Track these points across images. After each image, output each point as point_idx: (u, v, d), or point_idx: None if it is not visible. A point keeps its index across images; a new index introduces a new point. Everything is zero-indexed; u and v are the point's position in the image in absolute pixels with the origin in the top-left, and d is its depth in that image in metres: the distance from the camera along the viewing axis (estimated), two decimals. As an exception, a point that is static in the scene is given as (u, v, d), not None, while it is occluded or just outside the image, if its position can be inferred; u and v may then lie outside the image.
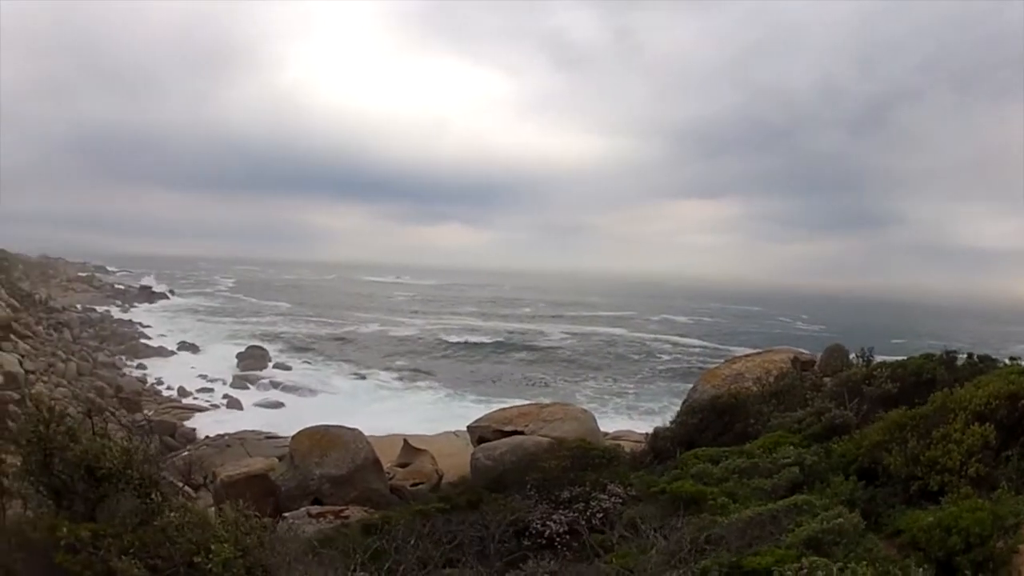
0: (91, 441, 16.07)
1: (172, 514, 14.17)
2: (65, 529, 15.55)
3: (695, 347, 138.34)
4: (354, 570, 14.47)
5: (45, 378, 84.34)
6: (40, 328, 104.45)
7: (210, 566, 13.58)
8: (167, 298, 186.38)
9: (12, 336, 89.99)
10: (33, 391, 78.79)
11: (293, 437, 38.53)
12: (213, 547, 13.73)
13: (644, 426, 63.02)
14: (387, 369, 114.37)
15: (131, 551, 14.79)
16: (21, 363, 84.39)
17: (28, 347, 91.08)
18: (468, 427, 42.74)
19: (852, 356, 31.90)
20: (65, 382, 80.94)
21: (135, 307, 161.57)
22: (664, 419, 58.23)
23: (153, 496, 16.66)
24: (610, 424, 56.15)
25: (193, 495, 40.94)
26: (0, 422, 56.82)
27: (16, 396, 75.67)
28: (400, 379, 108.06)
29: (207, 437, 62.99)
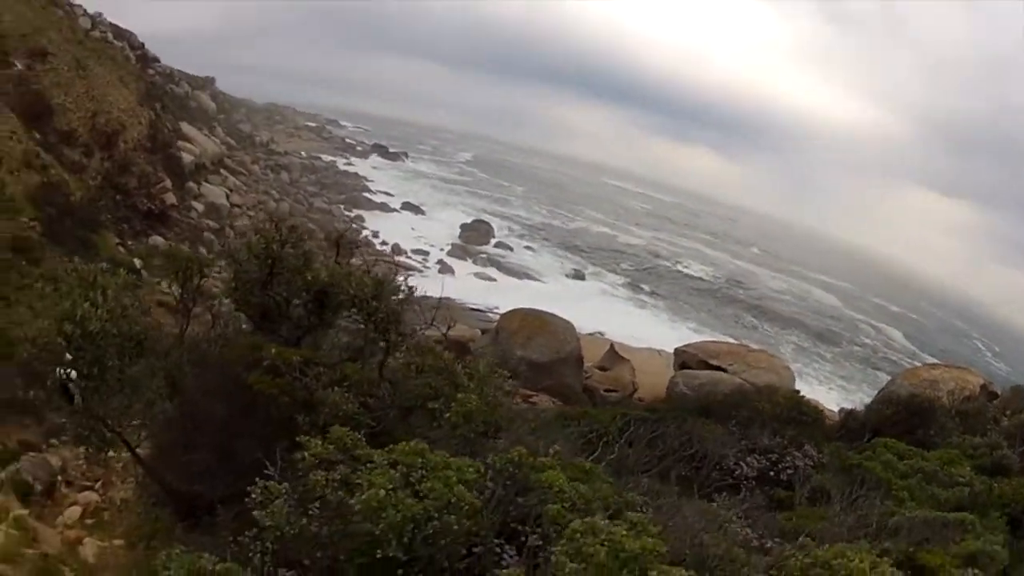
0: (335, 267, 16.05)
1: (416, 355, 14.11)
2: (274, 350, 15.60)
3: (896, 342, 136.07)
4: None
5: (251, 213, 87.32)
6: (256, 167, 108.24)
7: (448, 414, 13.50)
8: (400, 160, 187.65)
9: (222, 171, 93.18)
10: (236, 224, 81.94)
11: (503, 314, 38.63)
12: (460, 396, 13.60)
13: (830, 397, 62.34)
14: (611, 272, 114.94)
15: (345, 384, 14.76)
16: (228, 197, 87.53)
17: (238, 182, 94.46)
18: (675, 350, 42.59)
19: (1031, 404, 31.28)
20: (269, 222, 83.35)
21: (364, 162, 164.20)
22: (852, 398, 57.47)
23: (391, 335, 16.64)
24: (802, 387, 55.66)
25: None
26: (195, 248, 58.37)
27: (215, 226, 78.65)
28: (619, 286, 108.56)
29: (411, 294, 63.77)
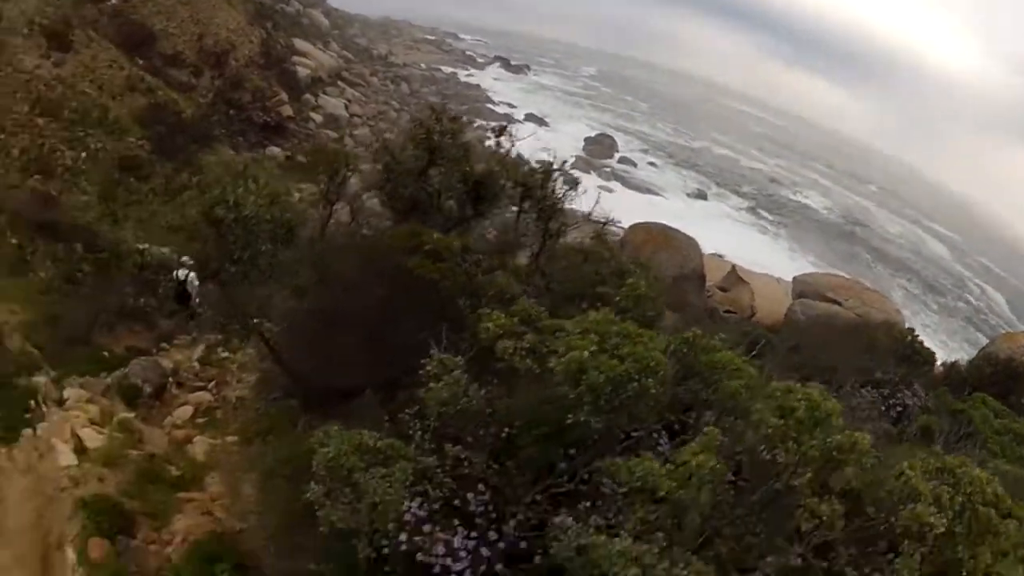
0: (500, 156, 16.64)
1: (587, 244, 14.70)
2: (435, 236, 16.36)
3: (998, 305, 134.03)
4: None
5: (372, 123, 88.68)
6: (375, 79, 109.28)
7: (618, 297, 14.14)
8: (523, 73, 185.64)
9: (340, 83, 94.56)
10: (355, 132, 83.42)
11: (629, 227, 39.02)
12: (630, 281, 14.23)
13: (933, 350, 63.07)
14: (734, 195, 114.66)
15: (503, 269, 15.41)
16: (347, 107, 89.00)
17: (357, 94, 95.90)
18: (794, 279, 43.03)
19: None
20: (394, 129, 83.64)
21: (484, 74, 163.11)
22: (952, 356, 57.74)
23: (553, 223, 17.23)
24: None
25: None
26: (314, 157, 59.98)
27: (334, 135, 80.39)
28: (741, 209, 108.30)
29: (532, 203, 65.32)
